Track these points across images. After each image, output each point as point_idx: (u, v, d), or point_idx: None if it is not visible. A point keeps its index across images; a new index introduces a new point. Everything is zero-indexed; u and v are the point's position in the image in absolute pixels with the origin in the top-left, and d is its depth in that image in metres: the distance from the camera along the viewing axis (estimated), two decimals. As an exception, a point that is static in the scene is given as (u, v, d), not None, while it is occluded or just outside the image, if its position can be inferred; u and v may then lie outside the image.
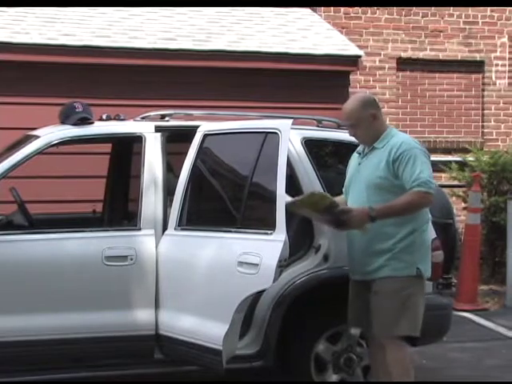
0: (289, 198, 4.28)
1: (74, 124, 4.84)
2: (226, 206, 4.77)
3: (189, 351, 4.50)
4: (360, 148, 4.49)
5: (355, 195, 4.34)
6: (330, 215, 4.18)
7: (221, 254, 4.43)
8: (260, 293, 4.45)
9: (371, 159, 4.32)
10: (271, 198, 4.21)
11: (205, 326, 4.38)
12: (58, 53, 7.16)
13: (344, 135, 5.20)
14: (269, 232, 4.20)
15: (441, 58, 10.14)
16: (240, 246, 4.33)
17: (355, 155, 4.50)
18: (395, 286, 4.20)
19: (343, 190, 4.55)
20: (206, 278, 4.46)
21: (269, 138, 4.42)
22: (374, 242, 4.22)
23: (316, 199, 4.17)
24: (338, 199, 4.52)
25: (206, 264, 4.48)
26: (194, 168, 4.73)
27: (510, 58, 10.38)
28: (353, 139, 5.15)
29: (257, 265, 4.17)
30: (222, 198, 4.85)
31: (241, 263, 4.27)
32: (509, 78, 10.39)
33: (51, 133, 4.83)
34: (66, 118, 4.91)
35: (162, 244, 4.67)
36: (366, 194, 4.25)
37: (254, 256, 4.21)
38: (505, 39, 10.38)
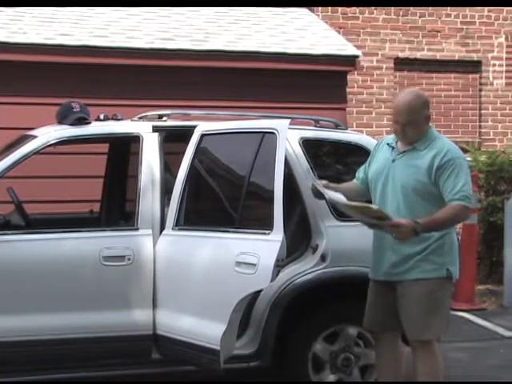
0: (339, 197, 4.22)
1: (72, 124, 4.83)
2: (224, 205, 4.77)
3: (186, 351, 4.50)
4: (391, 140, 4.36)
5: (389, 195, 4.22)
6: (376, 221, 4.09)
7: (218, 254, 4.42)
8: (258, 293, 4.45)
9: (411, 160, 4.20)
10: (269, 198, 4.21)
11: (202, 326, 4.38)
12: (56, 53, 7.15)
13: (342, 135, 5.22)
14: (266, 232, 4.19)
15: (438, 58, 10.15)
16: (238, 245, 4.33)
17: (385, 147, 4.36)
18: (426, 289, 4.15)
19: (358, 175, 4.47)
20: (204, 277, 4.45)
21: (266, 138, 4.41)
22: (405, 244, 4.13)
23: (369, 211, 4.09)
24: (348, 185, 4.46)
25: (203, 264, 4.48)
26: (192, 168, 4.72)
27: (507, 58, 10.40)
28: (351, 139, 5.17)
29: (254, 265, 4.17)
30: (219, 197, 4.84)
31: (238, 263, 4.26)
32: (506, 77, 10.40)
33: (48, 133, 4.83)
34: (63, 118, 4.90)
35: (159, 244, 4.67)
36: (402, 196, 4.15)
37: (252, 256, 4.20)
38: (502, 39, 10.40)
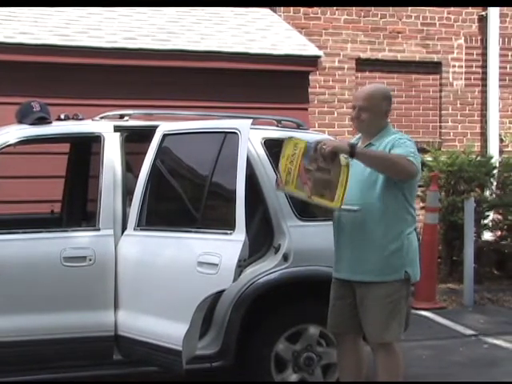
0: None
1: (32, 124, 4.79)
2: (186, 206, 4.76)
3: (148, 352, 4.48)
4: (353, 141, 4.40)
5: (352, 188, 4.14)
6: (312, 161, 4.03)
7: (180, 254, 4.42)
8: (220, 293, 4.45)
9: None
10: (231, 198, 4.21)
11: (165, 327, 4.36)
12: (15, 51, 7.06)
13: (304, 135, 5.23)
14: (228, 232, 4.20)
15: (399, 58, 10.23)
16: (200, 245, 4.33)
17: None
18: (384, 292, 4.17)
19: None
20: (166, 278, 4.44)
21: (228, 138, 4.42)
22: (365, 242, 4.16)
23: (290, 147, 4.10)
24: None
25: (165, 264, 4.46)
26: (154, 168, 4.71)
27: (466, 60, 10.52)
28: (312, 139, 5.18)
29: (216, 265, 4.17)
30: (181, 198, 4.83)
31: (201, 263, 4.26)
32: (465, 79, 10.53)
33: (8, 132, 4.78)
34: (23, 118, 4.86)
35: (121, 244, 4.64)
36: (359, 187, 4.13)
37: (214, 256, 4.21)
38: (461, 41, 10.52)
